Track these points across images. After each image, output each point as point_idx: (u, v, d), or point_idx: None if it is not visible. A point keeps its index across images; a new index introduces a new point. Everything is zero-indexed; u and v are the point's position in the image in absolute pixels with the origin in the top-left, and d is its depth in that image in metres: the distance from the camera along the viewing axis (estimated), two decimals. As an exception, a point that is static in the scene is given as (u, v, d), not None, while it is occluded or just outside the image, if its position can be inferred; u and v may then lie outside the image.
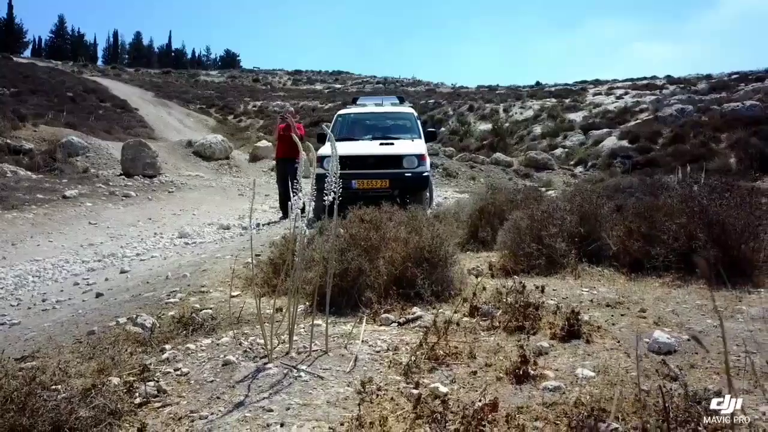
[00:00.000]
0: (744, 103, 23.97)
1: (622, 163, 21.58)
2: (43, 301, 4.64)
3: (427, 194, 8.17)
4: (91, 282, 5.15)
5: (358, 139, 8.81)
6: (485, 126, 30.28)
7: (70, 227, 8.07)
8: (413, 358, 2.41)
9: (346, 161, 7.89)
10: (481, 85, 47.14)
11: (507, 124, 29.62)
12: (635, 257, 4.09)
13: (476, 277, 4.43)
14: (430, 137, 9.07)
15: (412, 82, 57.46)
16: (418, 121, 9.32)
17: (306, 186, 2.82)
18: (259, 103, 39.78)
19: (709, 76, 36.09)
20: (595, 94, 34.13)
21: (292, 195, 2.83)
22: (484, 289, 3.30)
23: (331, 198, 2.61)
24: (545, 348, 2.53)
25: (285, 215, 9.32)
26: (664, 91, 32.20)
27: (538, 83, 43.80)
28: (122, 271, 5.53)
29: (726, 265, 3.60)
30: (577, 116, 28.73)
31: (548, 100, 33.67)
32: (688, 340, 2.57)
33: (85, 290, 4.89)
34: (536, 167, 20.63)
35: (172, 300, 3.81)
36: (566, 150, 24.99)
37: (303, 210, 9.72)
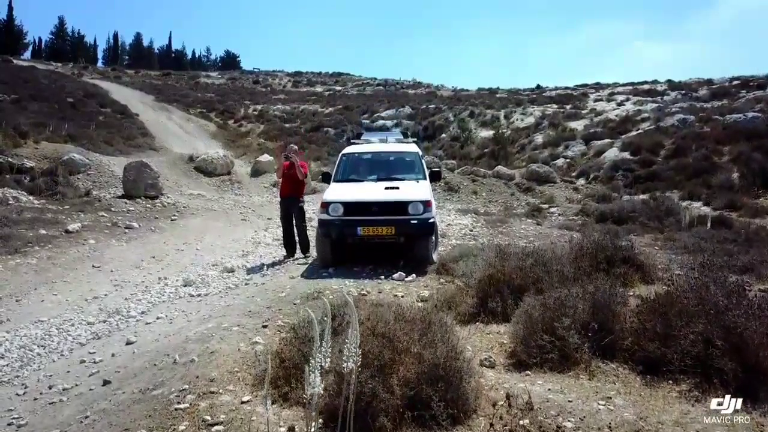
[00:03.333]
0: (746, 114, 23.91)
1: (623, 176, 21.55)
2: (50, 387, 4.60)
3: (433, 239, 8.12)
4: (98, 360, 5.10)
5: (362, 180, 8.77)
6: (486, 133, 30.21)
7: (73, 273, 8.01)
8: None
9: (351, 207, 7.84)
10: (482, 87, 47.12)
11: (508, 132, 29.54)
12: (650, 357, 4.05)
13: (490, 367, 4.40)
14: (434, 177, 9.02)
15: (413, 84, 57.28)
16: (423, 160, 9.26)
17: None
18: (259, 107, 39.67)
19: (710, 81, 36.02)
20: (596, 100, 34.08)
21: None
22: (501, 417, 3.26)
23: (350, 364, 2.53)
24: None
25: (289, 254, 9.27)
26: (665, 97, 32.14)
27: (538, 86, 43.76)
28: (128, 342, 5.48)
29: (744, 380, 3.57)
30: (578, 125, 28.66)
31: (549, 106, 33.59)
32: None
33: (92, 372, 4.84)
34: (538, 180, 20.55)
35: (181, 406, 3.76)
36: (568, 160, 24.92)
37: (306, 250, 9.49)
